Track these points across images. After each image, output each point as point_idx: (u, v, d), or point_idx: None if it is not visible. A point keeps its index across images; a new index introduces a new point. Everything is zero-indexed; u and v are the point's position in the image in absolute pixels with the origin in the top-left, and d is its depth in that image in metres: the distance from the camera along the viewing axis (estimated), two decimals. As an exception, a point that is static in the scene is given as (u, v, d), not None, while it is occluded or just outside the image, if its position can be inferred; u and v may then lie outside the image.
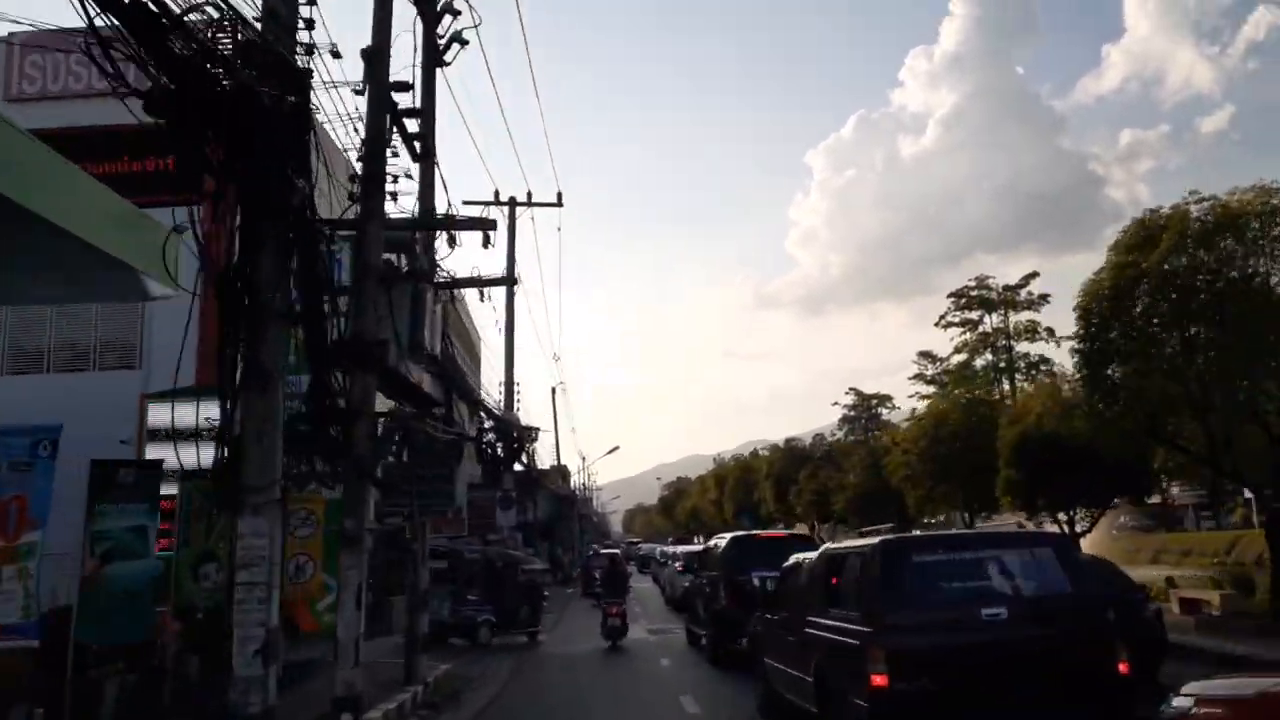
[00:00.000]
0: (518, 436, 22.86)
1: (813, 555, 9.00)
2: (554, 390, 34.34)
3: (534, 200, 22.56)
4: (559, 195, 22.89)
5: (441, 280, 13.91)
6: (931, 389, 54.86)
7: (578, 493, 68.45)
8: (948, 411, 31.22)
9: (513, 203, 22.88)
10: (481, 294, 18.64)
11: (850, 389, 64.32)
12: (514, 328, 23.67)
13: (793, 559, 9.57)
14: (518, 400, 24.80)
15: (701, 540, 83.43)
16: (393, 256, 11.72)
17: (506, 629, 18.37)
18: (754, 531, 21.90)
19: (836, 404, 62.19)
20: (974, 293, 55.95)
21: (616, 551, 27.70)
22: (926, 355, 56.28)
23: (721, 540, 16.85)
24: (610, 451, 42.77)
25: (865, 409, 61.80)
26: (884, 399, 61.75)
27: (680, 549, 28.75)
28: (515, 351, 23.76)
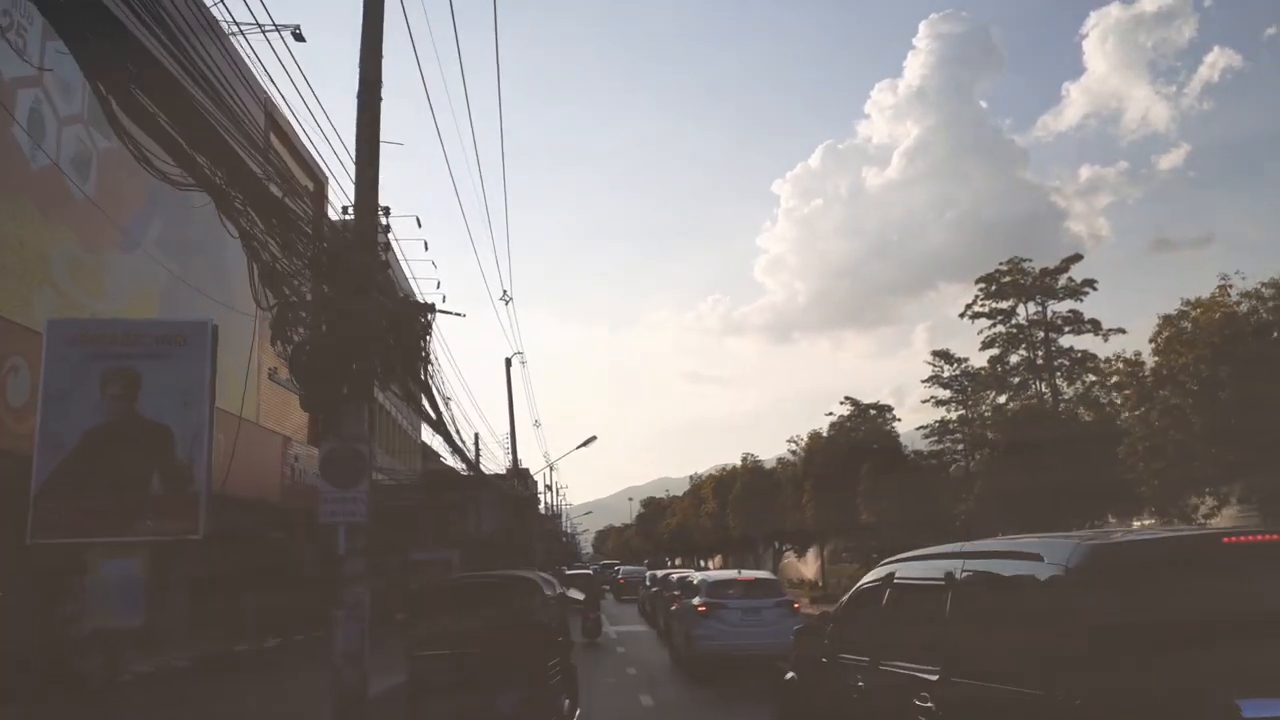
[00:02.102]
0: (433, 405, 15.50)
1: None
2: (508, 362, 27.01)
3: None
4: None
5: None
6: (947, 394, 48.16)
7: (547, 509, 60.81)
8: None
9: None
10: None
11: (846, 398, 58.00)
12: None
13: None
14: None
15: (709, 565, 70.92)
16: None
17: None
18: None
19: (830, 414, 55.76)
20: (1006, 279, 48.70)
21: (589, 571, 29.53)
22: (942, 355, 49.40)
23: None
24: (585, 443, 33.45)
25: (862, 419, 55.41)
26: (883, 409, 55.31)
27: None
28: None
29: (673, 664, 16.71)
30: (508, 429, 27.18)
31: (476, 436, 23.24)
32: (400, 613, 12.87)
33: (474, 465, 21.21)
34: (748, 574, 16.86)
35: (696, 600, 15.44)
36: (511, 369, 26.54)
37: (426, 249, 26.67)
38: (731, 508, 51.81)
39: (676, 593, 21.08)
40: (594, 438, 29.96)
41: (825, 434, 40.20)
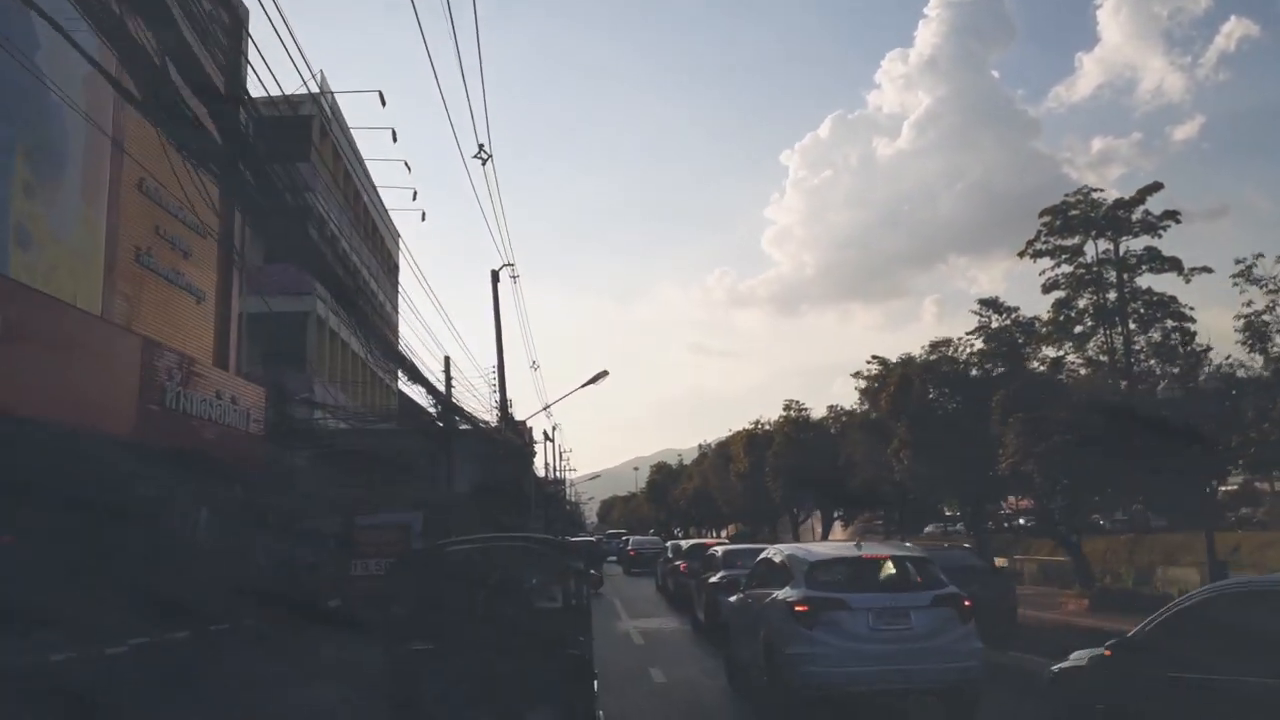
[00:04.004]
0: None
1: None
2: (495, 276, 21.06)
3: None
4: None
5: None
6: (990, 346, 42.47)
7: (548, 471, 55.39)
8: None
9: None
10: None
11: (874, 356, 52.42)
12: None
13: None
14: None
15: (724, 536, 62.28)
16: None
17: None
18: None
19: (857, 374, 49.93)
20: (1074, 211, 42.57)
21: (591, 539, 26.30)
22: (990, 304, 43.53)
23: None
24: (595, 379, 27.08)
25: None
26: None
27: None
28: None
29: (747, 702, 10.33)
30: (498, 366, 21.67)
31: (447, 361, 17.81)
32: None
33: (444, 398, 15.83)
34: (876, 548, 10.60)
35: (791, 595, 9.08)
36: (500, 286, 20.82)
37: (395, 139, 21.27)
38: (771, 465, 44.04)
39: (715, 576, 15.29)
40: (605, 373, 24.27)
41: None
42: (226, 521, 13.10)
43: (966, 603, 8.76)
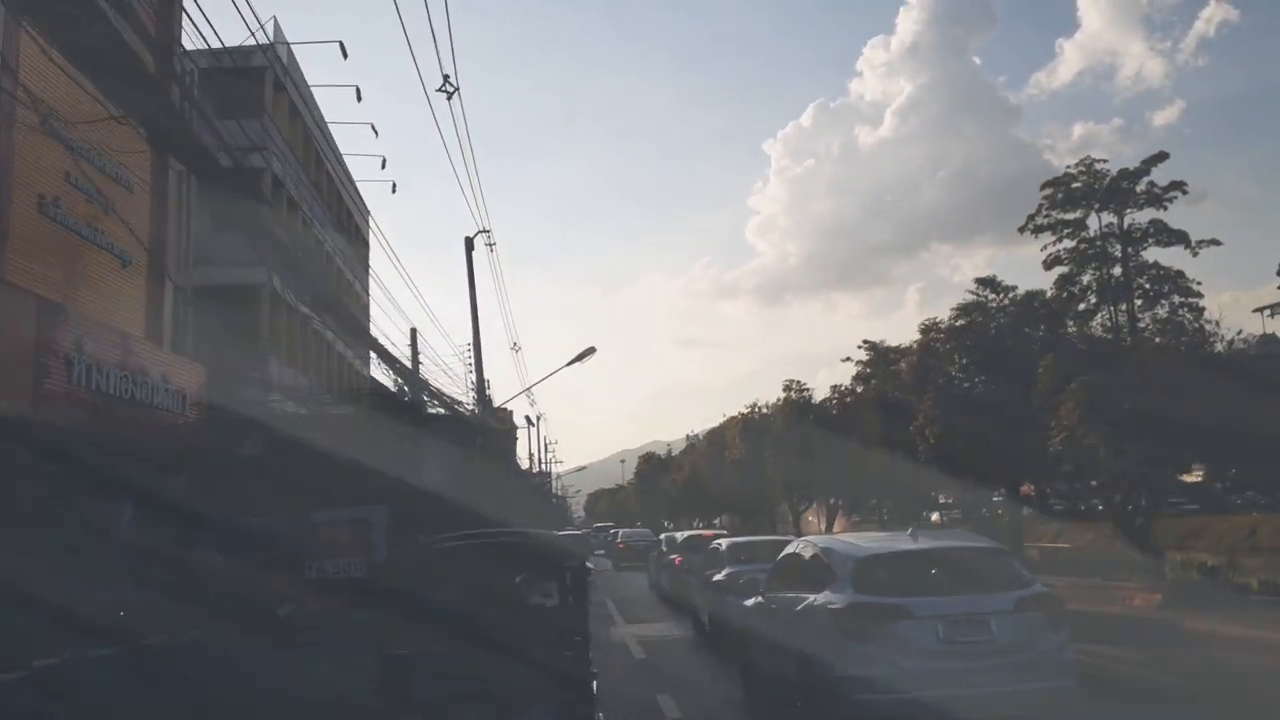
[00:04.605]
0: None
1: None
2: (469, 243, 18.87)
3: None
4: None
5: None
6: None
7: (532, 462, 53.61)
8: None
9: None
10: None
11: (864, 341, 50.75)
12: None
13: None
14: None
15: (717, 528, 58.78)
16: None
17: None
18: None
19: (849, 359, 48.08)
20: (1077, 183, 41.01)
21: (579, 533, 28.07)
22: (987, 283, 41.90)
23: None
24: (582, 356, 24.88)
25: (884, 364, 48.33)
26: (905, 353, 48.14)
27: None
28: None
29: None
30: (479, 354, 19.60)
31: (414, 334, 15.79)
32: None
33: (411, 374, 13.82)
34: (934, 539, 8.54)
35: (836, 600, 7.21)
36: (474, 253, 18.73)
37: (359, 98, 19.41)
38: (771, 451, 40.85)
39: (720, 574, 13.35)
40: (592, 349, 22.22)
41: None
42: (160, 519, 11.28)
43: (1057, 605, 6.98)
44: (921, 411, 25.90)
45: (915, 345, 30.83)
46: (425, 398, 13.72)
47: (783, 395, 44.39)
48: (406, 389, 14.25)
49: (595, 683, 7.58)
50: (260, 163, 18.50)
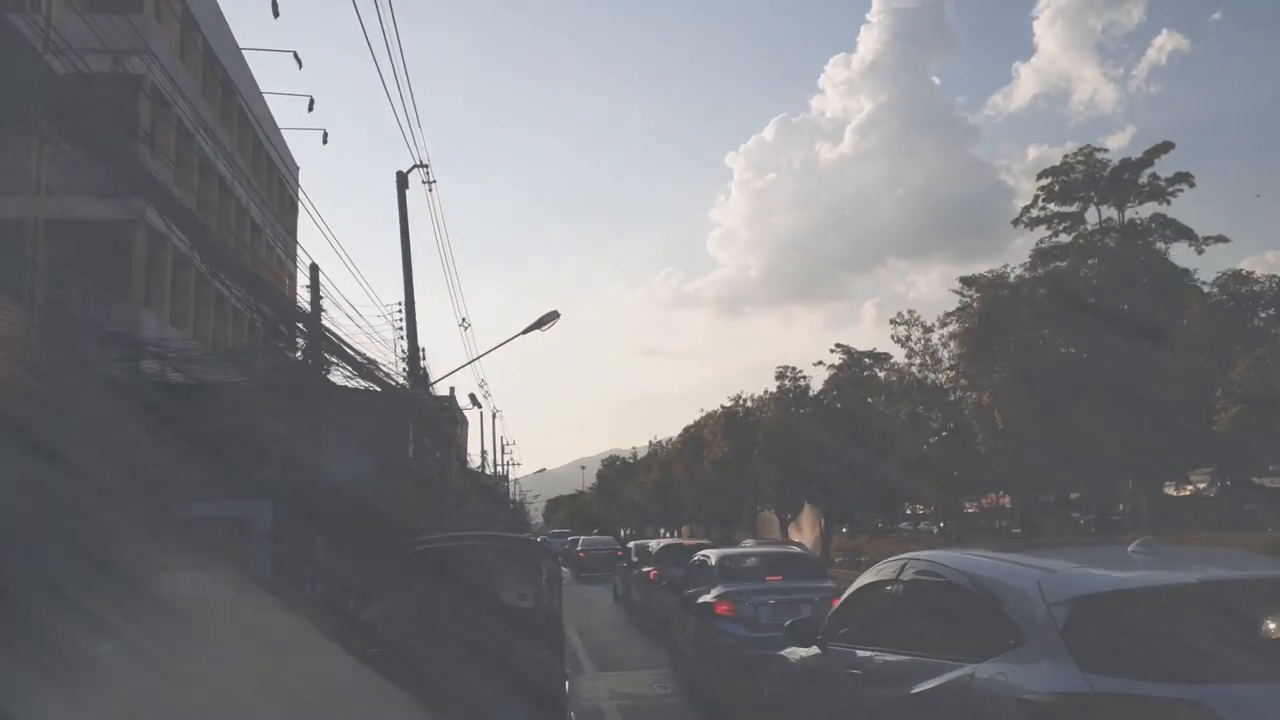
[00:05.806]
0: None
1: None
2: (401, 178, 15.45)
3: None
4: None
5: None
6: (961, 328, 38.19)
7: (484, 464, 50.00)
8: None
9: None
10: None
11: (838, 344, 47.93)
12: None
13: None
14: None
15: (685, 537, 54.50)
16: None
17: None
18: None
19: (820, 363, 44.82)
20: (1076, 173, 38.94)
21: (538, 539, 24.88)
22: (969, 281, 39.30)
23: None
24: (543, 321, 21.55)
25: (858, 369, 45.60)
26: (881, 357, 45.47)
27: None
28: None
29: None
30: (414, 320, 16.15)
31: (314, 271, 12.31)
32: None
33: (312, 320, 10.49)
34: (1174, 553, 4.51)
35: (1035, 686, 3.39)
36: (407, 191, 15.28)
37: (276, 13, 16.19)
38: (761, 449, 35.18)
39: (710, 594, 10.08)
40: (555, 314, 18.80)
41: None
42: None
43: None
44: (990, 388, 21.19)
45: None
46: (333, 359, 10.54)
47: (775, 385, 39.72)
48: (309, 354, 10.96)
49: (567, 683, 7.91)
50: (140, 69, 15.26)
